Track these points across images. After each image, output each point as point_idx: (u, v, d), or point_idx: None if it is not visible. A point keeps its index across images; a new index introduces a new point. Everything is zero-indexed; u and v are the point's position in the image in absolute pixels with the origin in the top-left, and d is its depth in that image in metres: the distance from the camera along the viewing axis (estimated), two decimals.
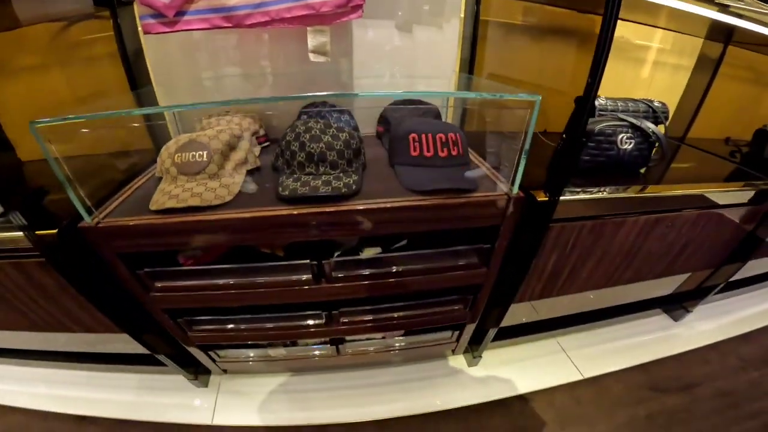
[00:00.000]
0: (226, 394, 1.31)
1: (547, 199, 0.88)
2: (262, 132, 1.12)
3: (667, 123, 1.24)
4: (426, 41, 1.17)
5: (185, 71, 1.12)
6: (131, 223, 0.74)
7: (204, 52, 1.09)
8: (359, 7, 0.90)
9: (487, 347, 1.43)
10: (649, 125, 1.06)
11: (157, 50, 1.08)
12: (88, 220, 0.73)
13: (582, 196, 0.96)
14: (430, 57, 1.19)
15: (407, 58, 1.18)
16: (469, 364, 1.43)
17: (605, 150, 1.06)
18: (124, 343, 1.06)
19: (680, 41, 1.57)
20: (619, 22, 0.74)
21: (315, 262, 0.88)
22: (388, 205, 0.79)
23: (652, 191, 1.05)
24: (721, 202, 1.16)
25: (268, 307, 1.04)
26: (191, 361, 1.22)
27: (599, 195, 0.98)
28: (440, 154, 0.85)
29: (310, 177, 0.81)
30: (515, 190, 0.84)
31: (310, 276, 0.91)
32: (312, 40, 0.96)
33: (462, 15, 1.17)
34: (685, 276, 1.47)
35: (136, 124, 1.02)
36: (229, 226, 0.76)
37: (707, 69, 1.62)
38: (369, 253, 0.94)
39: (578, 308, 1.50)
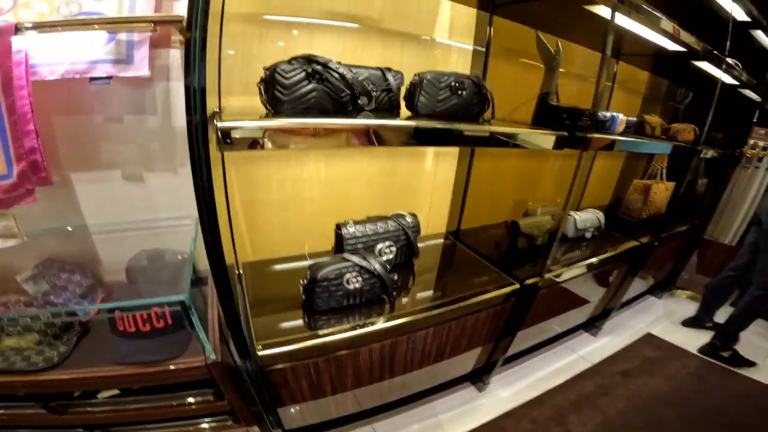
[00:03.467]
0: None
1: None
2: None
3: (418, 236, 1.43)
4: (163, 186, 1.21)
5: None
6: None
7: None
8: (32, 191, 0.90)
9: None
10: (373, 264, 1.17)
11: None
12: None
13: (309, 342, 1.06)
14: (174, 200, 1.23)
15: (147, 206, 1.22)
16: None
17: (334, 293, 1.15)
18: None
19: None
20: None
21: (43, 404, 0.99)
22: (80, 376, 0.92)
23: (381, 322, 1.16)
24: (459, 315, 1.32)
25: None
26: None
27: (326, 339, 1.08)
28: (142, 329, 0.98)
29: (14, 352, 0.93)
30: (212, 355, 0.98)
31: (46, 412, 1.01)
32: None
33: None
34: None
35: None
36: None
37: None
38: (105, 394, 1.07)
39: (396, 394, 1.64)
